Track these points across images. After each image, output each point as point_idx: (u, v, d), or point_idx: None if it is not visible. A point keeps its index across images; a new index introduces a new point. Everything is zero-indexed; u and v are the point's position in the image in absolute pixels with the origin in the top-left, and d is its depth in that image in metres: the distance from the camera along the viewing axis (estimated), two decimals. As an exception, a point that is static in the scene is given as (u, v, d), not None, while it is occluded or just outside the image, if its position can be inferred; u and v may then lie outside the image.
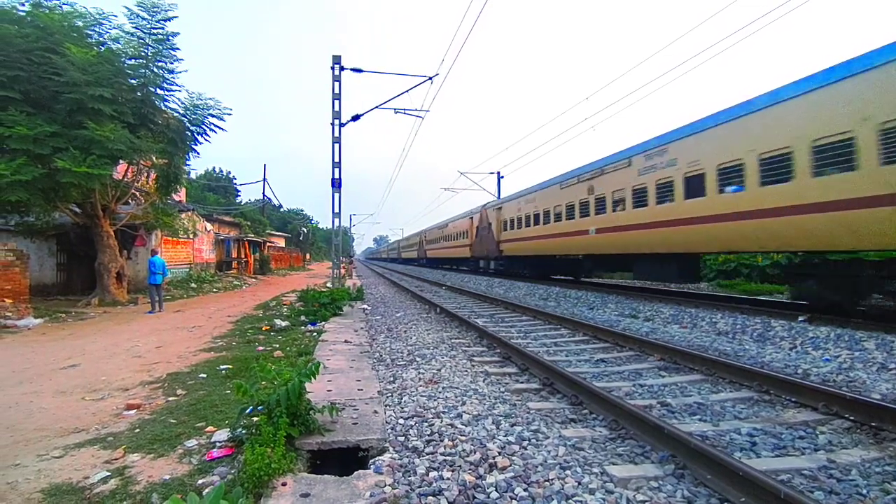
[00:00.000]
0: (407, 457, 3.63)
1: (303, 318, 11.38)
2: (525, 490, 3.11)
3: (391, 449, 3.73)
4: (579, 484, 3.21)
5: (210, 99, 16.04)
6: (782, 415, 4.62)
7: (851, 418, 4.32)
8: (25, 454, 3.94)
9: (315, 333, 9.40)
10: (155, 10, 14.12)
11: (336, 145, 15.53)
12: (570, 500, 2.98)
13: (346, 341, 8.23)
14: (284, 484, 3.03)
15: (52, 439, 4.32)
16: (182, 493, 2.91)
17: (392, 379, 6.07)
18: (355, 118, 16.45)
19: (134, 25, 14.22)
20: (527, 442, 3.92)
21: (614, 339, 8.24)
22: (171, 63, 15.08)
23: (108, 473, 3.55)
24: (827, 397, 4.66)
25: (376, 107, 16.73)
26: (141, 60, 14.56)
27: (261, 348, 8.28)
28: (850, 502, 3.01)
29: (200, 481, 3.35)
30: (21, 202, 12.51)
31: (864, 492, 3.11)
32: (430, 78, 15.69)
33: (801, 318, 8.79)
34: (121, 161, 14.95)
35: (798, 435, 4.08)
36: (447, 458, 3.60)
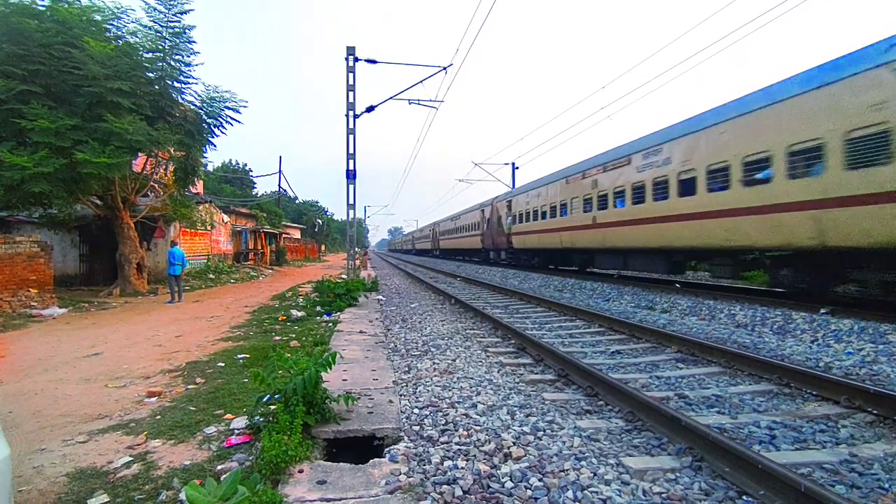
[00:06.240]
0: (422, 446, 3.65)
1: (318, 308, 11.49)
2: (540, 480, 3.11)
3: (406, 438, 3.75)
4: (595, 475, 3.19)
5: (226, 91, 16.19)
6: (803, 408, 4.54)
7: (874, 412, 4.23)
8: (51, 439, 4.05)
9: (330, 324, 9.48)
10: (171, 3, 14.23)
11: (350, 136, 15.53)
12: (586, 491, 2.97)
13: (361, 332, 8.29)
14: (301, 471, 3.07)
15: (77, 425, 4.44)
16: (201, 479, 2.97)
17: (407, 369, 6.09)
18: (370, 109, 16.41)
19: (151, 19, 14.37)
20: (542, 432, 3.91)
21: (630, 330, 8.16)
22: (188, 56, 15.21)
23: (131, 458, 3.64)
24: (849, 391, 4.57)
25: (391, 97, 16.67)
26: (158, 54, 14.71)
27: (277, 338, 8.38)
28: (872, 496, 2.95)
29: (219, 467, 3.41)
30: (44, 194, 12.79)
31: (887, 486, 3.05)
32: (445, 68, 15.57)
33: (822, 311, 8.60)
34: (139, 153, 15.18)
35: (819, 428, 4.01)
36: (462, 447, 3.61)
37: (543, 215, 21.03)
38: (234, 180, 60.38)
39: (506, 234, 26.36)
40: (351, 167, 15.60)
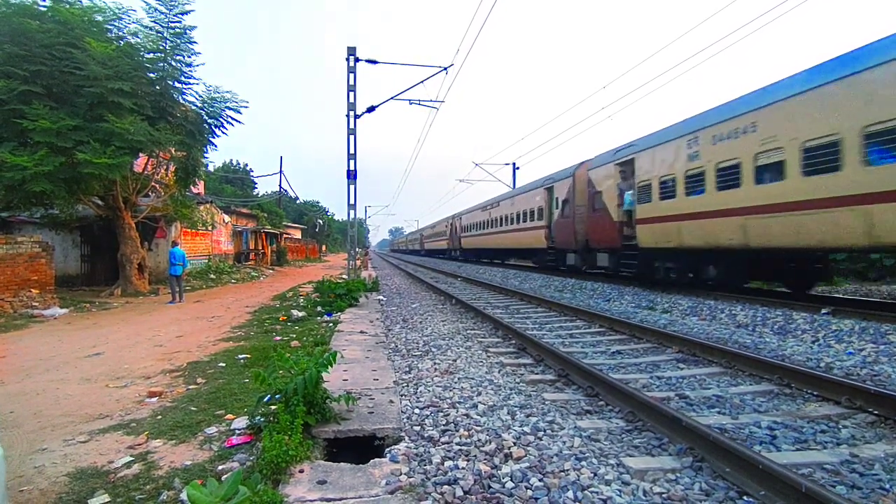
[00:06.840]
0: (422, 446, 3.65)
1: (319, 308, 11.49)
2: (540, 480, 3.10)
3: (407, 438, 3.75)
4: (595, 475, 3.19)
5: (227, 92, 16.24)
6: (803, 408, 4.54)
7: (875, 412, 4.22)
8: (52, 439, 4.06)
9: (331, 324, 9.48)
10: (172, 4, 14.26)
11: (351, 137, 15.53)
12: (586, 491, 2.97)
13: (361, 332, 8.29)
14: (301, 471, 3.07)
15: (78, 425, 4.44)
16: (202, 479, 2.97)
17: (408, 369, 6.09)
18: (370, 109, 16.42)
19: (152, 20, 14.41)
20: (542, 433, 3.91)
21: (631, 330, 8.16)
22: (189, 56, 15.25)
23: (132, 458, 3.64)
24: (850, 391, 4.56)
25: (391, 98, 16.69)
26: (159, 54, 14.74)
27: (278, 338, 8.38)
28: (873, 497, 2.95)
29: (220, 467, 3.41)
30: (45, 194, 12.81)
31: (888, 486, 3.04)
32: (445, 68, 15.59)
33: (824, 311, 8.60)
34: (140, 154, 15.21)
35: (820, 429, 4.01)
36: (462, 447, 3.61)
37: (759, 176, 9.87)
38: (235, 180, 60.44)
39: (616, 221, 15.07)
40: (352, 167, 15.61)
